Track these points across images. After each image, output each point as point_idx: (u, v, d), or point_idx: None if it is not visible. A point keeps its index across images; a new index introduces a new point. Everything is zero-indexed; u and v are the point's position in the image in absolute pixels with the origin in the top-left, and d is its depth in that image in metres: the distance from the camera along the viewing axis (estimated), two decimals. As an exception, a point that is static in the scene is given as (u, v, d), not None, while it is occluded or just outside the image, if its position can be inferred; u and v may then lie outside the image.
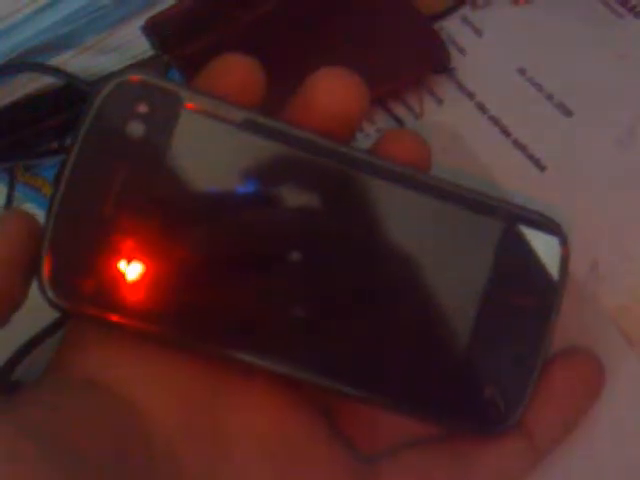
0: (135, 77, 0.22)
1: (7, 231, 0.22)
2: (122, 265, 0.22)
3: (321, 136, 0.23)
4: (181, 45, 0.33)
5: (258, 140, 0.22)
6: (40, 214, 0.33)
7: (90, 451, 0.20)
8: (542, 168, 0.31)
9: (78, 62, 0.34)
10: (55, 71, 0.33)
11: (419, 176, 0.24)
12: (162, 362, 0.23)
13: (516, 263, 0.24)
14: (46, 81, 0.33)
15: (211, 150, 0.22)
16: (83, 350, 0.23)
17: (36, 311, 0.22)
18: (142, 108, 0.22)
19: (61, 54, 0.33)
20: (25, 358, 0.28)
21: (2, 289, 0.21)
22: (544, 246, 0.24)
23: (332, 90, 0.23)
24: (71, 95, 0.33)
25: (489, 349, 0.24)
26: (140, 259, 0.22)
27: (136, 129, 0.22)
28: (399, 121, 0.32)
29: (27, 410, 0.20)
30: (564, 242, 0.24)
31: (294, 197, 0.23)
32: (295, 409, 0.25)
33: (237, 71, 0.23)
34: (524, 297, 0.24)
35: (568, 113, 0.32)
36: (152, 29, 0.33)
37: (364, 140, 0.32)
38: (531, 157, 0.31)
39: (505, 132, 0.32)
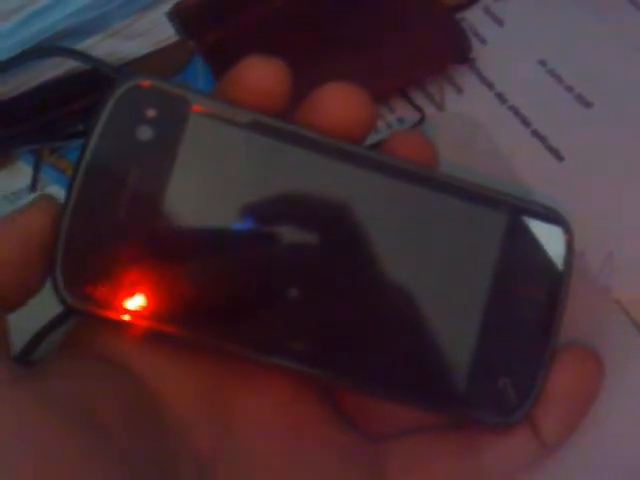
0: (144, 82, 0.22)
1: (31, 216, 0.22)
2: (134, 267, 0.22)
3: (331, 137, 0.23)
4: (206, 31, 0.33)
5: (267, 142, 0.23)
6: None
7: (102, 417, 0.20)
8: (560, 158, 0.31)
9: (104, 47, 0.34)
10: (81, 56, 0.33)
11: (421, 171, 0.24)
12: (173, 346, 0.23)
13: (521, 254, 0.25)
14: (73, 64, 0.34)
15: (220, 152, 0.23)
16: (98, 330, 0.24)
17: (54, 295, 0.22)
18: (151, 113, 0.22)
19: (88, 38, 0.34)
20: (43, 341, 0.28)
21: (19, 275, 0.22)
22: (548, 236, 0.25)
23: (339, 107, 0.23)
24: (98, 78, 0.34)
25: (498, 341, 0.24)
26: (151, 262, 0.22)
27: (145, 133, 0.22)
28: (419, 110, 0.33)
29: (42, 380, 0.21)
30: (567, 230, 0.25)
31: (304, 197, 0.23)
32: (300, 391, 0.25)
33: (262, 78, 0.23)
34: (531, 287, 0.24)
35: (588, 105, 0.32)
36: (178, 15, 0.33)
37: (385, 129, 0.32)
38: (550, 147, 0.31)
39: (524, 122, 0.32)
